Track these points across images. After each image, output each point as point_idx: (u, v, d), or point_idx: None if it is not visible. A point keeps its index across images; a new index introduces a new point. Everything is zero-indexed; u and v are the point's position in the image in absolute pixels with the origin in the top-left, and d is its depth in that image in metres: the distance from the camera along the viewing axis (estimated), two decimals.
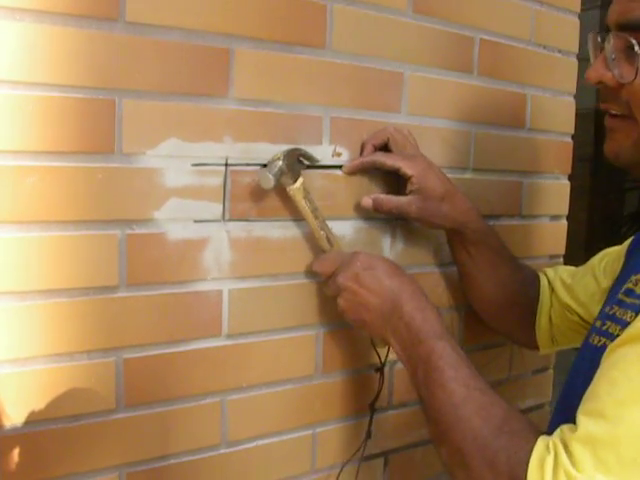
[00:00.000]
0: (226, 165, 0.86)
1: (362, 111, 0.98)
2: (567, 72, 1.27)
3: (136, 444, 0.84)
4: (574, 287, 1.00)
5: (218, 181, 0.85)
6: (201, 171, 0.84)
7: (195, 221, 0.84)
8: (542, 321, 1.04)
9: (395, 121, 1.01)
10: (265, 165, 0.87)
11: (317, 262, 0.91)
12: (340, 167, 0.97)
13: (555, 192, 1.28)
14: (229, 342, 0.89)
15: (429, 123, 1.06)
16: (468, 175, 1.12)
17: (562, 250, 1.31)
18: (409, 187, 0.96)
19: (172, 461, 0.86)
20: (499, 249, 1.05)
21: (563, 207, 1.30)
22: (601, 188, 4.76)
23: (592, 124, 4.94)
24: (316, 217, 0.89)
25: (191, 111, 0.82)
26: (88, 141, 0.76)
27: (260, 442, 0.95)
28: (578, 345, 0.97)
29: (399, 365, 1.07)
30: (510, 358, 1.26)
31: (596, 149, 4.91)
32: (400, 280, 0.84)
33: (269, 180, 0.84)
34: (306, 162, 0.91)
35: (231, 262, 0.88)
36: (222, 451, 0.91)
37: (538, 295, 1.04)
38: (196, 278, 0.85)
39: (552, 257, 1.30)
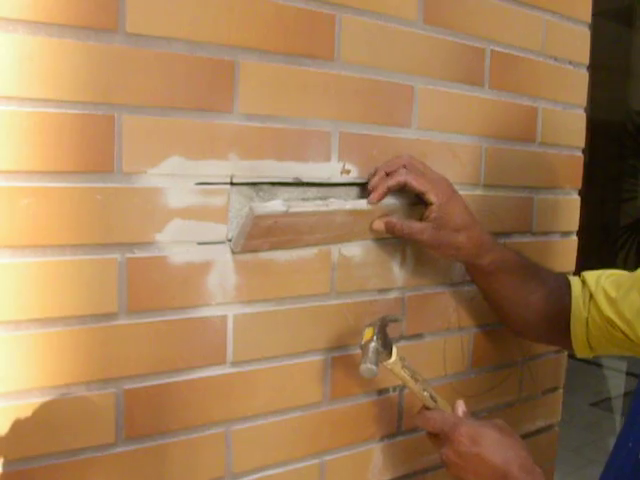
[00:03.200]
0: (231, 184, 0.82)
1: (372, 126, 0.94)
2: (578, 84, 1.23)
3: (137, 478, 0.79)
4: (618, 301, 0.93)
5: (223, 201, 0.81)
6: (205, 190, 0.80)
7: (199, 243, 0.80)
8: (577, 330, 0.99)
9: (405, 136, 0.97)
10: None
11: (421, 419, 0.89)
12: (349, 185, 0.92)
13: (566, 208, 1.25)
14: (234, 370, 0.85)
15: (440, 138, 1.02)
16: (479, 192, 1.09)
17: (572, 267, 1.28)
18: (427, 213, 0.92)
19: None
20: (519, 271, 1.00)
21: (573, 223, 1.27)
22: (596, 198, 4.75)
23: (587, 133, 4.95)
24: (416, 380, 0.88)
25: (194, 127, 0.78)
26: (86, 160, 0.72)
27: (266, 473, 0.90)
28: (617, 354, 0.98)
29: (408, 390, 1.03)
30: (520, 379, 1.22)
31: (591, 157, 4.90)
32: (505, 455, 0.82)
33: (373, 371, 0.82)
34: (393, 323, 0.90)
35: (236, 286, 0.83)
36: None
37: (569, 304, 0.99)
38: (200, 303, 0.81)
39: None
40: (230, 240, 0.82)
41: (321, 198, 0.89)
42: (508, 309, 1.04)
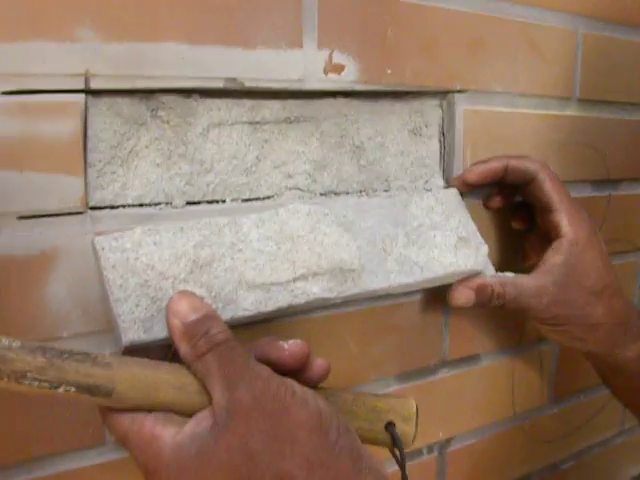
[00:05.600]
0: (87, 92, 0.39)
1: None
2: None
3: None
4: None
5: (72, 127, 0.39)
6: (28, 106, 0.38)
7: (20, 218, 0.38)
8: None
9: (448, 6, 0.53)
10: None
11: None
12: (342, 94, 0.50)
13: None
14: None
15: (508, 13, 0.57)
16: (570, 111, 0.64)
17: None
18: (550, 254, 0.54)
19: None
20: None
21: None
22: None
23: None
24: (56, 384, 0.33)
25: None
26: None
27: None
28: None
29: (451, 447, 0.63)
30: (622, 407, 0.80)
31: None
32: None
33: None
34: None
35: None
36: None
37: None
38: None
39: None
40: (92, 208, 0.40)
41: (286, 121, 0.46)
42: None
